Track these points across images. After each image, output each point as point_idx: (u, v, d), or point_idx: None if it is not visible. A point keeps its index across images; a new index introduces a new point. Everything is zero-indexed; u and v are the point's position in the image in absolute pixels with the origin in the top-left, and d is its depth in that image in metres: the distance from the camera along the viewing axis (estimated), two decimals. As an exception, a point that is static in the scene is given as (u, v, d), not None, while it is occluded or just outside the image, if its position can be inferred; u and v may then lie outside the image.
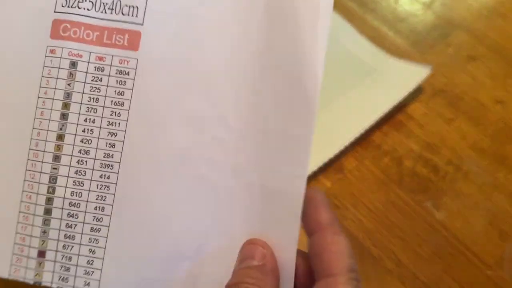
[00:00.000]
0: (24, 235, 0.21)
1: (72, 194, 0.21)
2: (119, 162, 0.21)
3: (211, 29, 0.22)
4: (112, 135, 0.21)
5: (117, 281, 0.21)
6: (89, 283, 0.21)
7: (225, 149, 0.22)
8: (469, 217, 0.45)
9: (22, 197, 0.21)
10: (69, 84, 0.21)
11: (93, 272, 0.21)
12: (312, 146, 0.23)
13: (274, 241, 0.21)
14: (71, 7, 0.21)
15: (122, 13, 0.21)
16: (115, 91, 0.21)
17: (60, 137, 0.21)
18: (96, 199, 0.21)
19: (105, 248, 0.21)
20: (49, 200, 0.21)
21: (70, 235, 0.21)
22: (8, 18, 0.21)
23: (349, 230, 0.44)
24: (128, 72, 0.21)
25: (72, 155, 0.21)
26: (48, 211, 0.21)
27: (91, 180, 0.21)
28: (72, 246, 0.21)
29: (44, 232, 0.21)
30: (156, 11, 0.21)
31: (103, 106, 0.21)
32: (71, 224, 0.21)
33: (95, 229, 0.21)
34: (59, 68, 0.21)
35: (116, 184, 0.21)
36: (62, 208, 0.21)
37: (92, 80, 0.21)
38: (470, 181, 0.47)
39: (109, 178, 0.21)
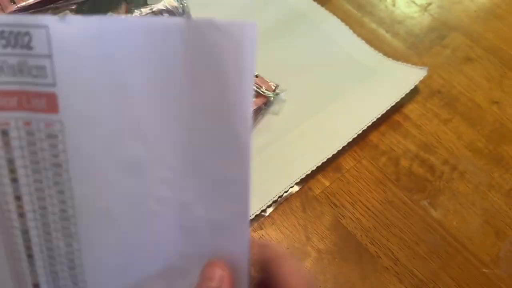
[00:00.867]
0: (17, 275, 0.23)
1: (45, 241, 0.23)
2: (74, 216, 0.22)
3: (132, 74, 0.21)
4: (60, 193, 0.22)
5: None
6: None
7: (171, 186, 0.23)
8: (466, 216, 0.46)
9: (6, 249, 0.23)
10: (7, 152, 0.21)
11: None
12: (251, 185, 0.22)
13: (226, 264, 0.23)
14: None
15: (32, 75, 0.20)
16: (50, 154, 0.21)
17: (18, 198, 0.22)
18: (65, 246, 0.23)
19: (86, 281, 0.23)
20: (28, 248, 0.23)
21: (54, 272, 0.23)
22: None
23: (347, 228, 0.44)
24: (56, 135, 0.21)
25: (33, 211, 0.22)
26: (30, 256, 0.23)
27: (56, 230, 0.22)
28: (59, 280, 0.23)
29: (33, 271, 0.23)
30: (66, 69, 0.20)
31: (45, 169, 0.21)
32: (52, 263, 0.23)
33: (72, 266, 0.23)
34: None
35: (76, 233, 0.22)
36: (41, 252, 0.23)
37: (27, 145, 0.21)
38: (466, 181, 0.48)
39: (69, 229, 0.22)
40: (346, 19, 0.61)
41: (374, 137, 0.51)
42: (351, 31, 0.60)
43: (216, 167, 0.23)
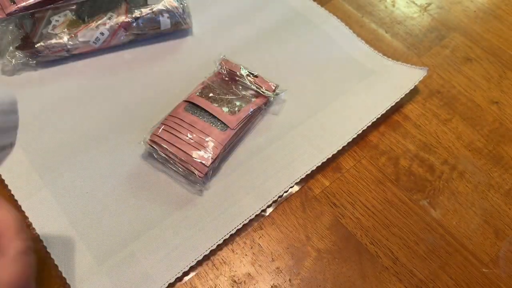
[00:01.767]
0: None
1: None
2: None
3: None
4: None
5: None
6: None
7: None
8: (465, 216, 0.46)
9: None
10: None
11: None
12: None
13: None
14: None
15: None
16: None
17: None
18: None
19: None
20: None
21: None
22: None
23: (347, 228, 0.44)
24: None
25: None
26: None
27: None
28: None
29: None
30: None
31: None
32: None
33: None
34: None
35: None
36: None
37: None
38: (466, 181, 0.48)
39: None
40: (346, 19, 0.62)
41: (373, 137, 0.51)
42: (351, 31, 0.60)
43: None
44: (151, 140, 0.46)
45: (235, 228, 0.43)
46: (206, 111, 0.47)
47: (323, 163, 0.47)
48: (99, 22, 0.54)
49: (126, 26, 0.54)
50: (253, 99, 0.50)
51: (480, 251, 0.44)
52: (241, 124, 0.48)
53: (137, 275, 0.41)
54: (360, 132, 0.50)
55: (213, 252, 0.43)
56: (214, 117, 0.47)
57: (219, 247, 0.43)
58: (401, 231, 0.44)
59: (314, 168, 0.47)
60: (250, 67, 0.52)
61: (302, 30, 0.60)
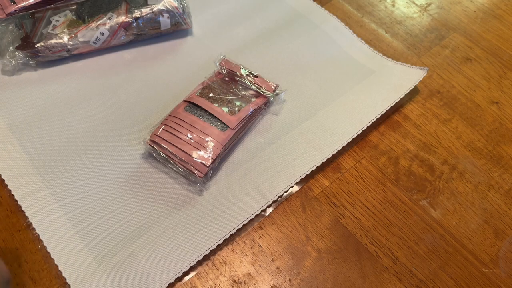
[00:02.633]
0: None
1: None
2: None
3: None
4: None
5: None
6: None
7: None
8: (465, 216, 0.46)
9: None
10: None
11: None
12: None
13: None
14: None
15: None
16: None
17: None
18: None
19: None
20: None
21: None
22: None
23: (347, 228, 0.44)
24: None
25: None
26: None
27: None
28: None
29: None
30: None
31: None
32: None
33: None
34: None
35: None
36: None
37: None
38: (465, 181, 0.48)
39: None
40: (346, 19, 0.62)
41: (373, 137, 0.51)
42: (351, 31, 0.60)
43: None
44: (151, 140, 0.46)
45: (235, 228, 0.43)
46: (206, 111, 0.47)
47: (323, 163, 0.47)
48: (99, 22, 0.54)
49: (126, 26, 0.54)
50: (253, 99, 0.50)
51: (480, 251, 0.44)
52: (241, 124, 0.48)
53: (137, 275, 0.41)
54: (360, 132, 0.50)
55: (213, 252, 0.43)
56: (214, 117, 0.47)
57: (219, 247, 0.43)
58: (401, 231, 0.44)
59: (314, 168, 0.47)
60: (250, 67, 0.52)
61: (302, 30, 0.60)
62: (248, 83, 0.50)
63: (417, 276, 0.42)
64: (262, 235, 0.44)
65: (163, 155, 0.45)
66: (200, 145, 0.45)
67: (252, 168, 0.47)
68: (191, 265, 0.41)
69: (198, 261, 0.42)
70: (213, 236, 0.43)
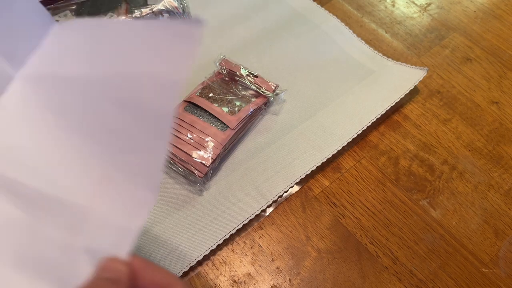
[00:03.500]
0: None
1: None
2: None
3: None
4: None
5: None
6: None
7: None
8: (465, 216, 0.46)
9: None
10: None
11: None
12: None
13: None
14: None
15: None
16: None
17: None
18: None
19: None
20: None
21: None
22: None
23: (347, 228, 0.44)
24: None
25: None
26: None
27: None
28: None
29: None
30: None
31: None
32: None
33: None
34: None
35: None
36: None
37: None
38: (465, 180, 0.48)
39: None
40: (346, 19, 0.62)
41: (373, 137, 0.51)
42: (351, 31, 0.60)
43: None
44: (151, 140, 0.46)
45: (235, 228, 0.43)
46: (206, 111, 0.47)
47: (323, 163, 0.47)
48: (99, 22, 0.54)
49: (126, 26, 0.54)
50: (253, 99, 0.50)
51: (480, 251, 0.44)
52: (241, 124, 0.48)
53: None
54: (360, 132, 0.50)
55: (213, 252, 0.43)
56: (214, 117, 0.47)
57: (219, 247, 0.43)
58: (401, 231, 0.44)
59: (314, 168, 0.47)
60: (250, 67, 0.52)
61: (302, 30, 0.60)
62: (248, 83, 0.50)
63: (417, 276, 0.42)
64: (262, 235, 0.44)
65: (163, 155, 0.45)
66: (200, 145, 0.45)
67: (252, 168, 0.47)
68: (191, 265, 0.41)
69: (198, 261, 0.42)
70: (213, 236, 0.43)
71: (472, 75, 0.57)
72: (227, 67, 0.51)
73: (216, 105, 0.48)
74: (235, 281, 0.42)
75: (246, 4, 0.63)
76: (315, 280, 0.42)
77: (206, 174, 0.45)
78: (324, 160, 0.48)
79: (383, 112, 0.51)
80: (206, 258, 0.42)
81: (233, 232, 0.43)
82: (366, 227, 0.44)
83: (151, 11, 0.55)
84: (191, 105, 0.48)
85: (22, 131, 0.23)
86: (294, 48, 0.58)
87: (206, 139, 0.45)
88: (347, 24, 0.61)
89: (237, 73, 0.51)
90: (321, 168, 0.48)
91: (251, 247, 0.43)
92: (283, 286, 0.41)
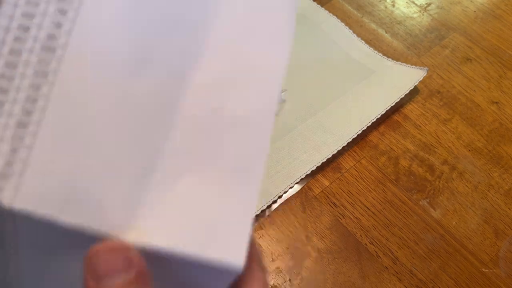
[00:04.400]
0: None
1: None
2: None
3: None
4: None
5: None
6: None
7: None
8: (465, 216, 0.46)
9: None
10: None
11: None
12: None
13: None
14: None
15: None
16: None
17: None
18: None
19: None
20: None
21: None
22: None
23: (347, 228, 0.44)
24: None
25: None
26: None
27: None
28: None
29: None
30: None
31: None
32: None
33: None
34: None
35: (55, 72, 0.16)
36: None
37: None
38: (465, 180, 0.48)
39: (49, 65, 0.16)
40: (346, 19, 0.62)
41: (373, 137, 0.51)
42: (350, 31, 0.60)
43: None
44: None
45: (235, 228, 0.43)
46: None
47: (323, 163, 0.47)
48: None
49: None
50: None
51: (480, 251, 0.44)
52: (241, 124, 0.48)
53: None
54: (360, 132, 0.50)
55: (213, 252, 0.43)
56: (214, 117, 0.47)
57: (219, 247, 0.43)
58: (401, 231, 0.44)
59: (314, 168, 0.47)
60: (250, 67, 0.52)
61: (302, 30, 0.60)
62: (248, 83, 0.50)
63: (417, 276, 0.42)
64: (262, 235, 0.44)
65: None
66: (200, 145, 0.45)
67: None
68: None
69: (198, 261, 0.42)
70: (213, 236, 0.43)
71: (472, 75, 0.57)
72: (227, 67, 0.51)
73: (216, 105, 0.48)
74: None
75: (246, 4, 0.63)
76: (315, 280, 0.42)
77: (206, 174, 0.45)
78: (324, 160, 0.48)
79: (383, 112, 0.51)
80: (206, 258, 0.42)
81: (233, 232, 0.43)
82: (366, 227, 0.45)
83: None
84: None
85: None
86: (294, 48, 0.58)
87: (206, 139, 0.45)
88: (347, 24, 0.61)
89: (237, 73, 0.51)
90: (321, 168, 0.48)
91: (251, 247, 0.43)
92: (283, 286, 0.41)
